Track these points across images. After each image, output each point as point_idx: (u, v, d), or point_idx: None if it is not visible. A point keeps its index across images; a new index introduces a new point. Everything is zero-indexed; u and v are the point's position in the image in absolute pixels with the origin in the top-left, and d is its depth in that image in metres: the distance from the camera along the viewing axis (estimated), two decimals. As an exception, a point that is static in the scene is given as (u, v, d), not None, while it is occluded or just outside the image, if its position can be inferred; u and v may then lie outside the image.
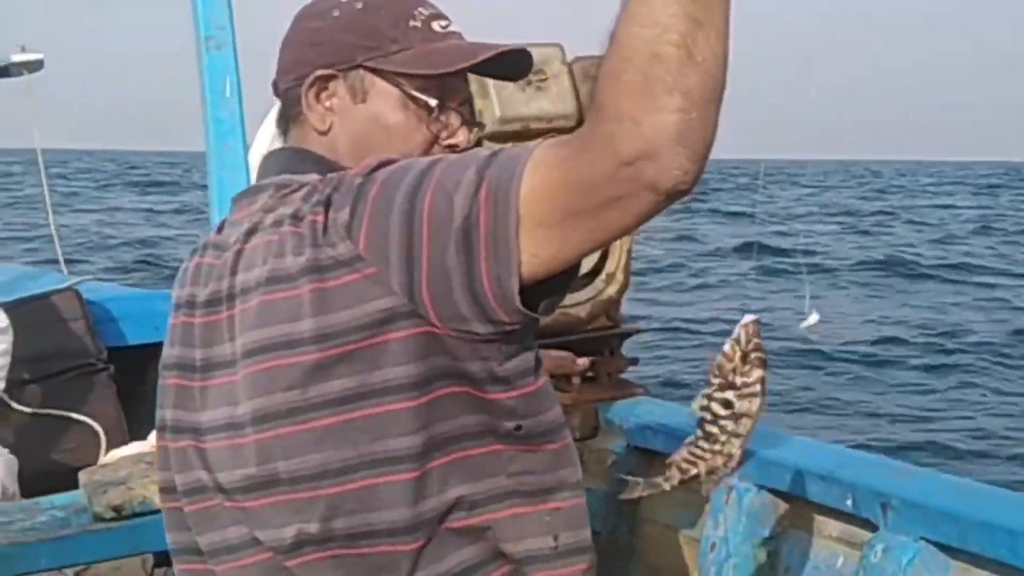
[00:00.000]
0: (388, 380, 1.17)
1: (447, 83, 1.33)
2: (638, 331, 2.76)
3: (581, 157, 1.07)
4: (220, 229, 1.35)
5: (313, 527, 1.20)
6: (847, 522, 1.99)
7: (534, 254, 1.11)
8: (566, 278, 1.18)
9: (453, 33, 1.35)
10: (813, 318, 1.30)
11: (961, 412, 8.57)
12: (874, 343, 11.03)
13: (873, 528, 1.90)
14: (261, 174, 1.36)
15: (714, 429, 1.26)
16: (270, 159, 1.39)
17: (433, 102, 1.32)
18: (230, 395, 1.25)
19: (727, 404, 1.24)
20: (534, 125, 2.60)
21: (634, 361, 2.78)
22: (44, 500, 2.29)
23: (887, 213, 30.00)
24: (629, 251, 2.72)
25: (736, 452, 1.26)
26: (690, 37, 1.01)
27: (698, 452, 1.28)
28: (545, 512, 1.28)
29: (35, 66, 5.10)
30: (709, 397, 1.26)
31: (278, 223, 1.23)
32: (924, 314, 13.13)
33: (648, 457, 2.46)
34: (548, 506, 1.28)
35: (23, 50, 5.11)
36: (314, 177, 1.26)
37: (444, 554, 1.22)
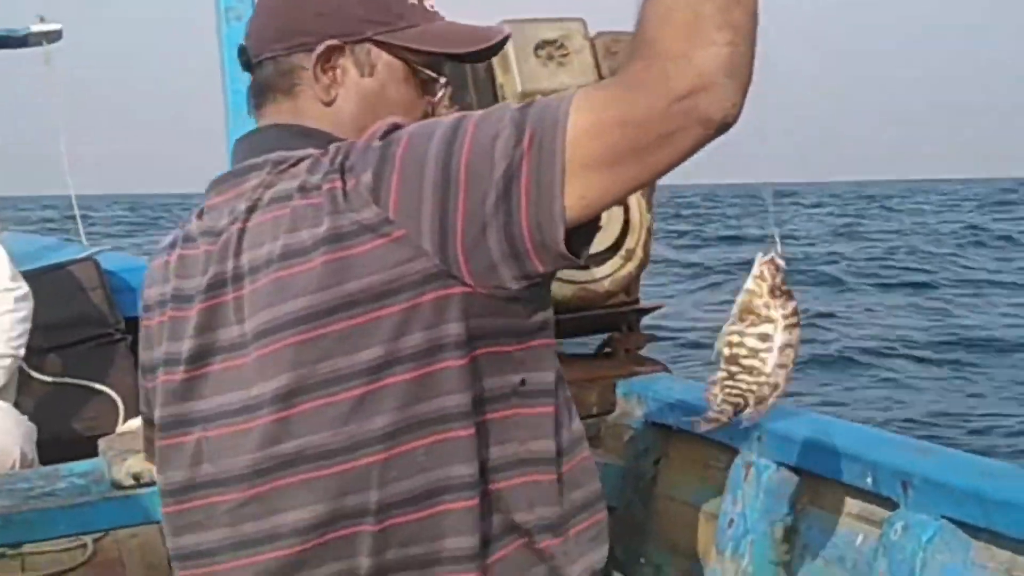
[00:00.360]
0: (419, 345, 1.15)
1: (442, 60, 1.37)
2: (657, 307, 2.76)
3: (631, 96, 1.10)
4: (200, 216, 1.32)
5: (352, 500, 1.17)
6: (867, 500, 1.98)
7: (582, 196, 1.11)
8: (596, 224, 1.19)
9: (438, 12, 1.38)
10: (778, 247, 1.33)
11: (978, 410, 8.56)
12: (891, 348, 11.08)
13: (893, 506, 1.89)
14: (246, 152, 1.31)
15: (755, 362, 1.25)
16: (256, 137, 1.34)
17: (443, 79, 1.36)
18: (239, 379, 1.22)
19: (765, 338, 1.24)
20: (555, 100, 2.58)
21: (652, 337, 2.78)
22: (63, 467, 2.29)
23: (896, 231, 30.11)
24: (649, 229, 2.71)
25: (783, 383, 1.25)
26: None
27: (743, 385, 1.25)
28: (553, 479, 1.27)
29: (54, 36, 5.10)
30: (741, 334, 1.24)
31: (284, 198, 1.21)
32: (939, 320, 13.19)
33: (665, 433, 2.46)
34: (555, 473, 1.27)
35: (42, 20, 5.10)
36: (310, 151, 1.24)
37: (487, 515, 1.21)
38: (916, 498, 1.84)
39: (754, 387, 1.25)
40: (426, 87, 1.35)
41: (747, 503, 2.13)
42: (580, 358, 2.80)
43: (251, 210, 1.23)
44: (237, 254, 1.23)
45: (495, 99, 2.68)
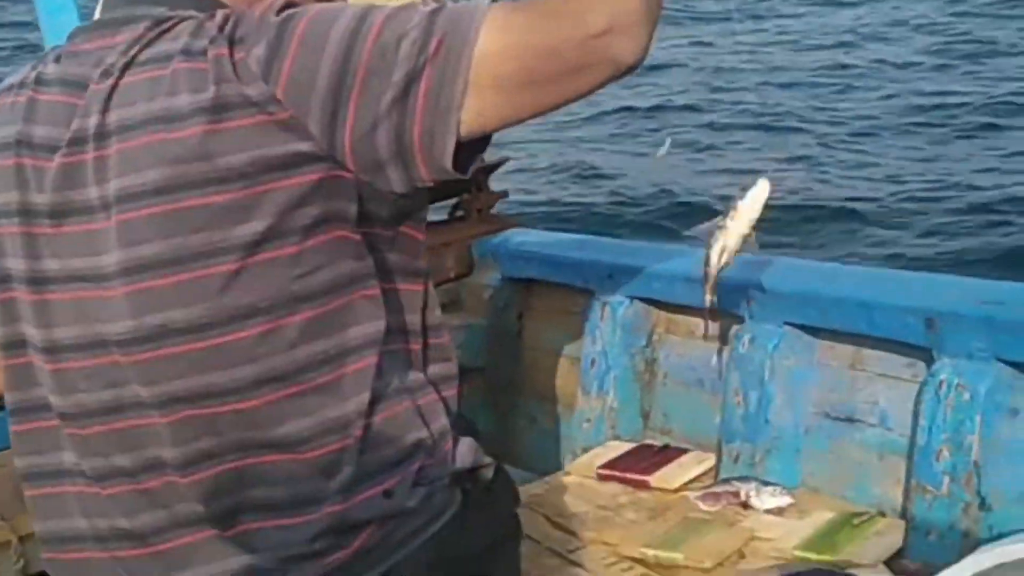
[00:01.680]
0: (307, 219, 1.13)
1: None
2: (503, 161, 2.71)
3: (547, 24, 1.12)
4: (57, 60, 1.24)
5: (219, 377, 1.15)
6: (717, 319, 2.02)
7: (480, 113, 1.12)
8: (486, 142, 1.20)
9: None
10: (666, 147, 1.43)
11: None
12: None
13: (741, 321, 1.93)
14: (120, 3, 1.23)
15: None
16: None
17: None
18: (92, 244, 1.16)
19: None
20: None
21: (504, 194, 2.75)
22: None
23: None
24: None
25: None
26: None
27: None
28: (419, 348, 1.28)
29: None
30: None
31: (163, 58, 1.15)
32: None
33: (525, 286, 2.46)
34: (420, 344, 1.29)
35: None
36: (192, 12, 1.18)
37: (379, 376, 1.20)
38: (758, 310, 1.88)
39: None
40: None
41: (606, 341, 2.16)
42: (433, 224, 2.75)
43: (126, 67, 1.17)
44: (104, 111, 1.17)
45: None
